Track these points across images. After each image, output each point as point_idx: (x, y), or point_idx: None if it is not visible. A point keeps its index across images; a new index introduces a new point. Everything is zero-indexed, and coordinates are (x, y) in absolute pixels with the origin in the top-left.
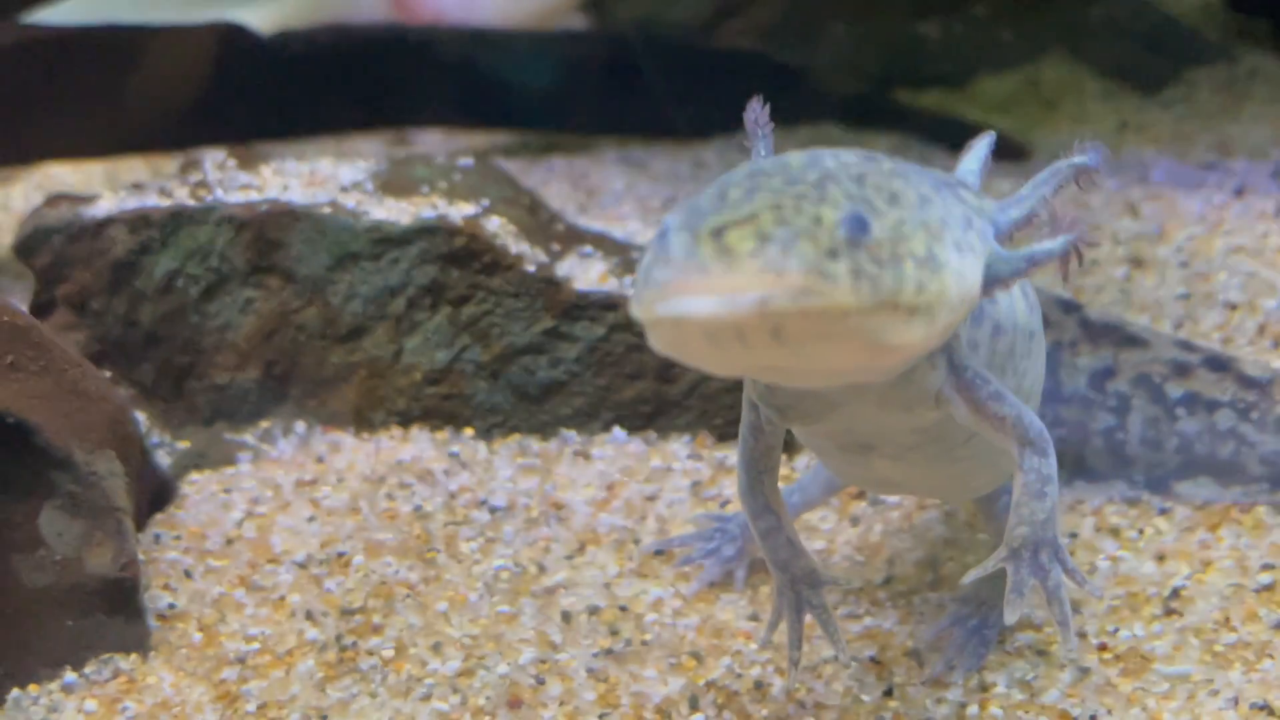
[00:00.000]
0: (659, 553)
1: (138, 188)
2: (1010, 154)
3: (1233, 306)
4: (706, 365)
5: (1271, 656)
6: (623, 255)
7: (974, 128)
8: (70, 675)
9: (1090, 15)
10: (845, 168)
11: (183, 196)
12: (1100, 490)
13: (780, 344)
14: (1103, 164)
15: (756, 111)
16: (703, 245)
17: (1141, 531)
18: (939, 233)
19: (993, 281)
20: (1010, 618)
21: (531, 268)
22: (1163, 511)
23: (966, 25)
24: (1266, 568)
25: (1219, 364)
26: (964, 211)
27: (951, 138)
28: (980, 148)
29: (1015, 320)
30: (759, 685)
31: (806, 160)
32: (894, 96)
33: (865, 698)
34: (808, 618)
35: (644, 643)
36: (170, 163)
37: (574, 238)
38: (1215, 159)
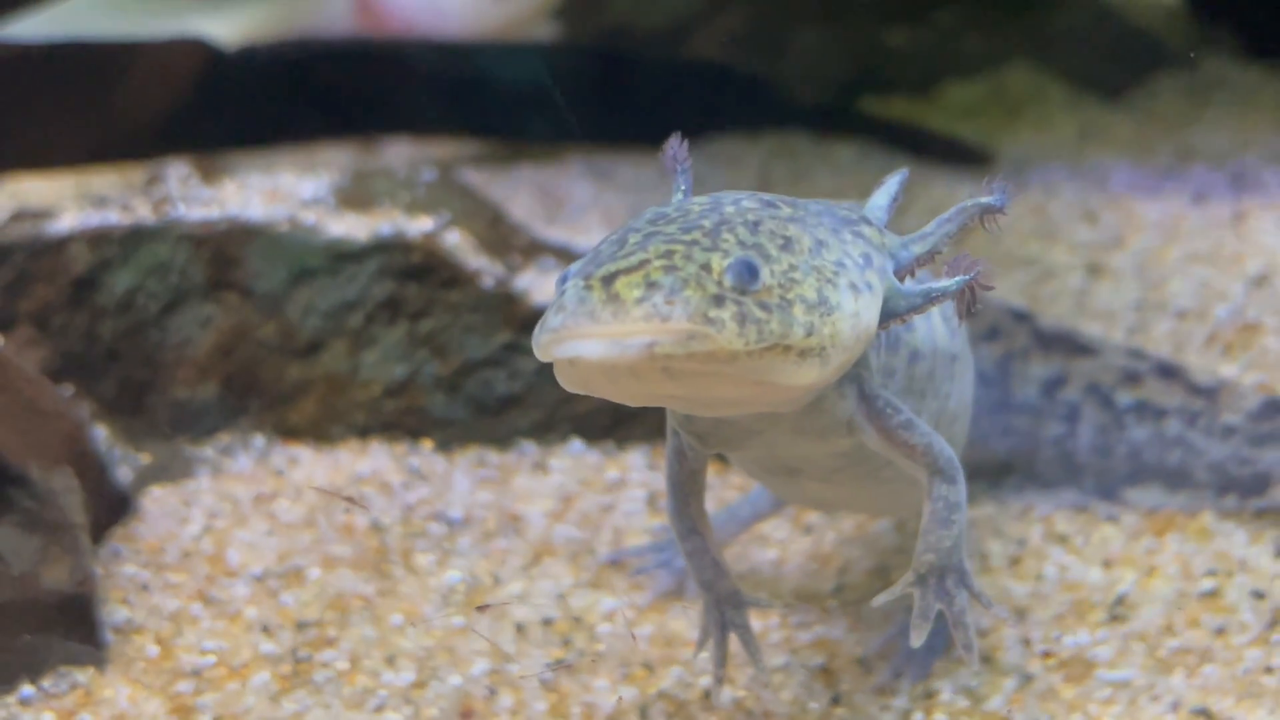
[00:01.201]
0: (614, 563)
1: (100, 203)
2: (973, 160)
3: (1184, 315)
4: (613, 398)
5: (1213, 661)
6: None
7: (937, 136)
8: (27, 688)
9: (1054, 23)
10: (743, 214)
11: (144, 212)
12: (1051, 498)
13: (676, 382)
14: (1007, 203)
15: (675, 148)
16: (594, 292)
17: (1089, 538)
18: (833, 276)
19: (890, 315)
20: (915, 641)
21: (490, 282)
22: (1110, 518)
23: (932, 33)
24: (1210, 574)
25: (1168, 372)
26: (864, 250)
27: (915, 146)
28: (891, 184)
29: (935, 345)
30: (708, 695)
31: (707, 206)
32: (860, 104)
33: (813, 705)
34: (733, 637)
35: (597, 653)
36: (140, 173)
37: (536, 250)
38: (1175, 165)
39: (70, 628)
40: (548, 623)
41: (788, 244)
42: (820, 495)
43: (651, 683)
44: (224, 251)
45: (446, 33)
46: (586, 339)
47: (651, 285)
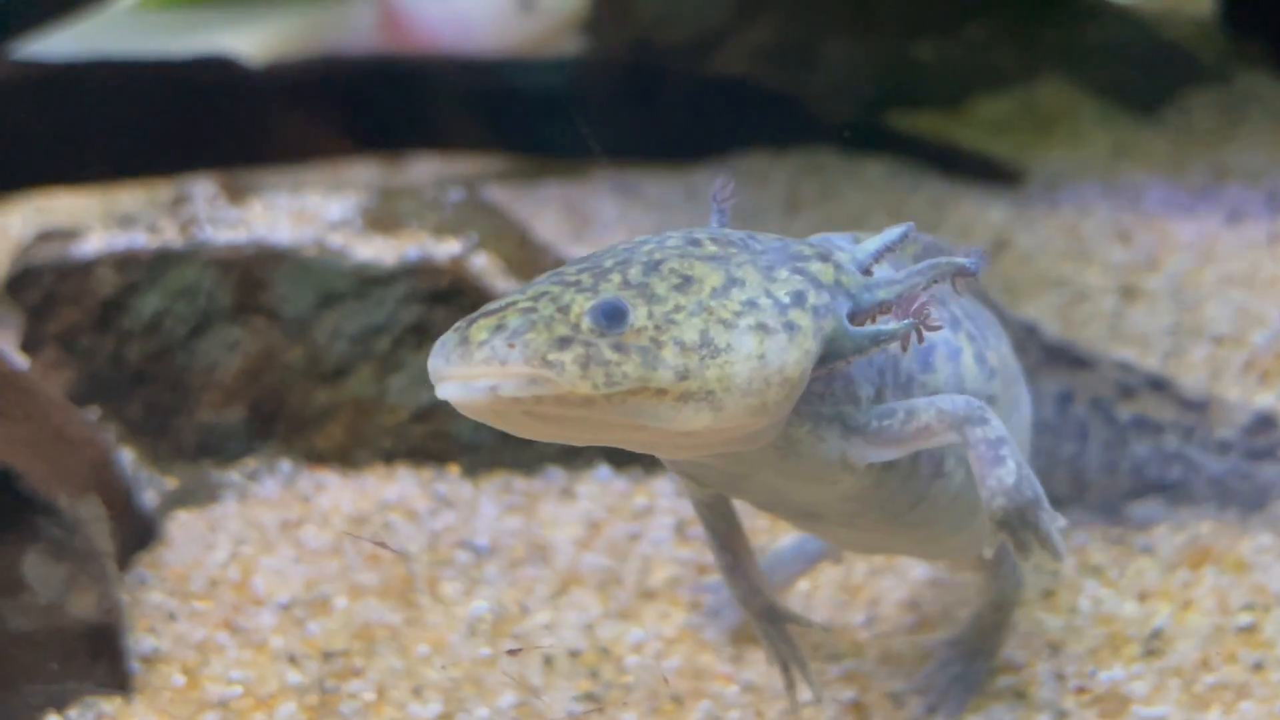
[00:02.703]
0: (696, 596)
1: (127, 223)
2: (1004, 177)
3: (1220, 340)
4: (525, 436)
5: (1250, 698)
6: None
7: (968, 153)
8: (53, 718)
9: (1086, 37)
10: (651, 253)
11: (171, 234)
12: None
13: (547, 425)
14: (980, 270)
15: (719, 186)
16: (455, 334)
17: (1123, 571)
18: (732, 317)
19: (837, 356)
20: (1058, 560)
21: None
22: (1145, 550)
23: (962, 47)
24: (1247, 608)
25: (1158, 385)
26: (798, 288)
27: (945, 163)
28: (891, 234)
29: (962, 385)
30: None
31: (630, 246)
32: (888, 119)
33: None
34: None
35: (625, 686)
36: (164, 190)
37: None
38: (1210, 184)
39: (97, 657)
40: (575, 654)
41: (684, 284)
42: (855, 540)
43: (681, 715)
44: (251, 275)
45: (472, 48)
46: (443, 381)
47: (499, 328)
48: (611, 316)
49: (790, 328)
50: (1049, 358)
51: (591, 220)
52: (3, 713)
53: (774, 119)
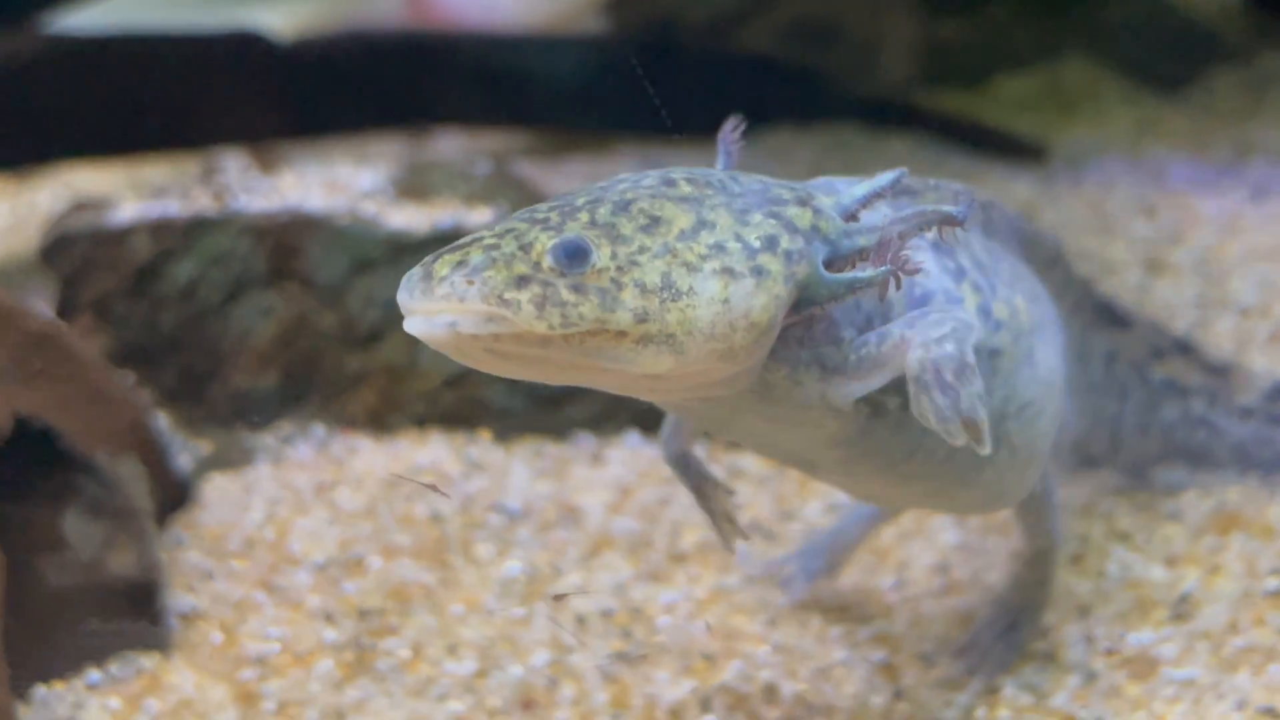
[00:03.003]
0: (765, 573)
1: (160, 192)
2: (1028, 154)
3: (1246, 312)
4: (493, 372)
5: (1278, 660)
6: None
7: (992, 130)
8: (94, 674)
9: (1110, 15)
10: (625, 192)
11: (204, 202)
12: (1089, 479)
13: (510, 362)
14: (969, 217)
15: (728, 128)
16: (420, 268)
17: (1151, 536)
18: (697, 260)
19: (810, 302)
20: (952, 438)
21: None
22: (1172, 516)
23: (986, 25)
24: (1275, 572)
25: (1185, 349)
26: (771, 232)
27: (970, 140)
28: (882, 179)
29: None
30: (769, 688)
31: (606, 184)
32: (912, 97)
33: (875, 700)
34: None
35: (657, 645)
36: (192, 163)
37: None
38: (1233, 160)
39: (136, 614)
40: (607, 614)
41: (652, 225)
42: (864, 491)
43: (713, 675)
44: (285, 242)
45: (495, 26)
46: (408, 314)
47: (460, 264)
48: (573, 255)
49: (758, 272)
50: (1097, 316)
51: None
52: (46, 667)
53: (798, 96)
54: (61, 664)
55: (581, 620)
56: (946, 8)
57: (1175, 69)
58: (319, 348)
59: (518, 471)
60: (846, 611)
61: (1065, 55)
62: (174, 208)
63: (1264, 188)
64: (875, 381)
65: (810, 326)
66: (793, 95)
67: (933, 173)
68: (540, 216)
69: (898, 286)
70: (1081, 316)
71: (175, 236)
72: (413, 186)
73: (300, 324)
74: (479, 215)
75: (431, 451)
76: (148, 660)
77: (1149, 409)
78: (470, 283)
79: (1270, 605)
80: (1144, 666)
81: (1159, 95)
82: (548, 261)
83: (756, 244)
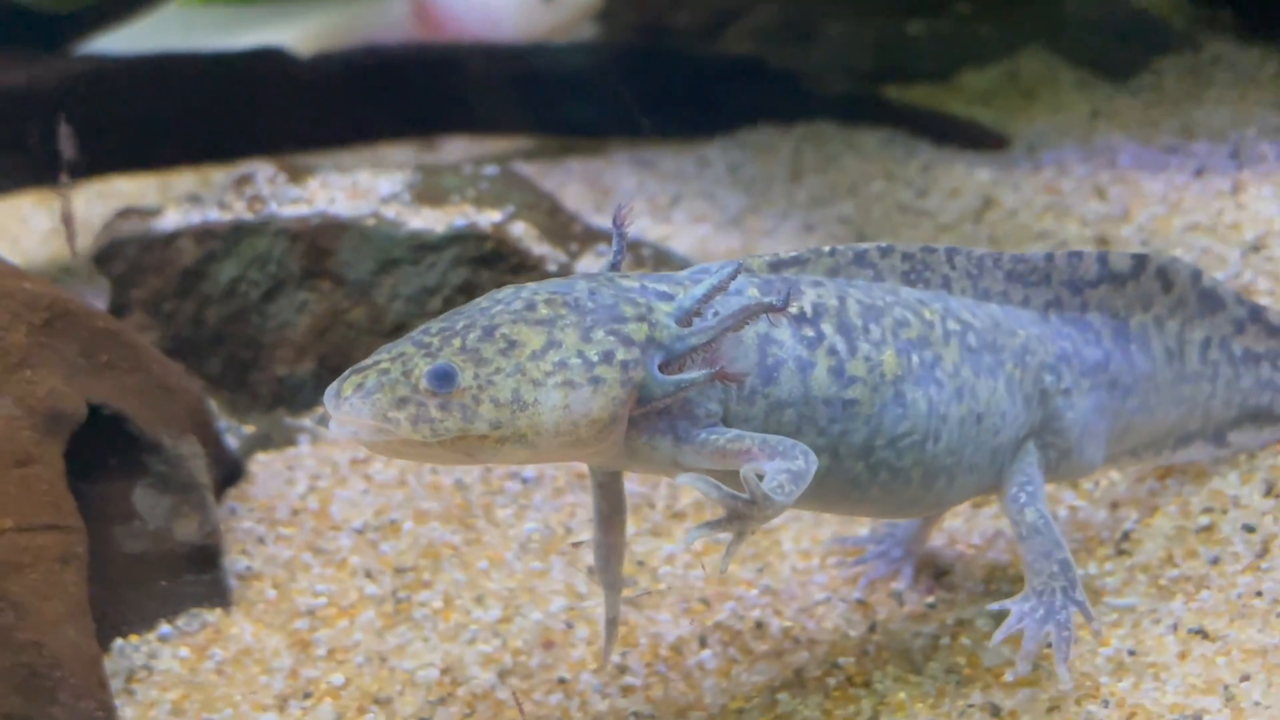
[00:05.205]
0: (840, 547)
1: (198, 201)
2: (990, 143)
3: None
4: (402, 460)
5: (1209, 588)
6: (634, 251)
7: (957, 121)
8: (165, 627)
9: (1065, 9)
10: (494, 317)
11: (240, 209)
12: (1185, 453)
13: (415, 454)
14: (787, 304)
15: (619, 212)
16: (336, 384)
17: (1098, 484)
18: (542, 377)
19: (649, 399)
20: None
21: (553, 267)
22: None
23: (951, 22)
24: (1206, 511)
25: (1256, 315)
26: (609, 348)
27: (935, 131)
28: (720, 274)
29: (808, 394)
30: (759, 625)
31: (483, 305)
32: (883, 93)
33: (852, 633)
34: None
35: (659, 591)
36: (218, 173)
37: (590, 237)
38: (1178, 142)
39: (200, 574)
40: None
41: (509, 348)
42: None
43: (709, 615)
44: (317, 244)
45: (498, 36)
46: (329, 420)
47: (359, 386)
48: (442, 379)
49: (596, 381)
50: (1200, 305)
51: (612, 191)
52: (122, 622)
53: (778, 95)
54: (136, 619)
55: (592, 573)
56: (915, 8)
57: (1126, 58)
58: (350, 338)
59: None
60: (828, 559)
61: (1025, 49)
62: (214, 214)
63: (1206, 166)
64: (715, 465)
65: (666, 408)
66: (774, 95)
67: (903, 162)
68: (427, 340)
69: (726, 384)
70: (1185, 309)
71: (218, 241)
72: (427, 191)
73: (333, 317)
74: (489, 216)
75: None
76: (211, 615)
77: (1233, 382)
78: (364, 403)
79: (1201, 540)
80: (1089, 596)
81: (1112, 84)
82: (424, 384)
83: (595, 358)
